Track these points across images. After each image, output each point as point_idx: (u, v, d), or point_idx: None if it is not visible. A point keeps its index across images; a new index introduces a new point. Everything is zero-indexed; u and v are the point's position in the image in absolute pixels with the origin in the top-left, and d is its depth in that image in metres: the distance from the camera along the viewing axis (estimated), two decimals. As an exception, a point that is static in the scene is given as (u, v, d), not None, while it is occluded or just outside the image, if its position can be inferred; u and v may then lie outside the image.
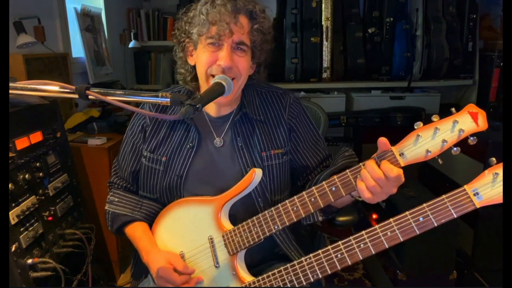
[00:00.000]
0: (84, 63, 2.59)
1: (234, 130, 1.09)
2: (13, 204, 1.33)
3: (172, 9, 3.44)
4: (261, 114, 1.11)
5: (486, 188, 0.74)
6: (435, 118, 0.79)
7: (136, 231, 1.12)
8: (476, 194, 0.75)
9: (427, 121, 0.81)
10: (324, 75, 3.24)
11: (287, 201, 0.93)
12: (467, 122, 0.76)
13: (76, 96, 0.78)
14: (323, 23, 3.18)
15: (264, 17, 1.04)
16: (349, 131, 3.49)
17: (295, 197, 0.92)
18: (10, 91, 0.79)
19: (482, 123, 0.75)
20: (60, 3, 2.36)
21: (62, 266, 1.38)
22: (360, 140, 3.25)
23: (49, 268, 1.37)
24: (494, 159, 0.75)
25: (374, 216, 2.24)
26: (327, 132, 1.46)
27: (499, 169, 0.73)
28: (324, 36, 3.18)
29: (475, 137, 0.76)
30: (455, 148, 0.78)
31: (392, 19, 3.21)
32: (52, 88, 0.80)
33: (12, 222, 1.30)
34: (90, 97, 0.77)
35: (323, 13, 3.17)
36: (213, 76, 0.99)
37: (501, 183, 0.72)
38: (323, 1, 3.15)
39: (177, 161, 1.10)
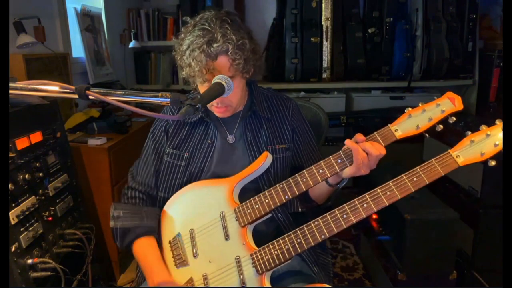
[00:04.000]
0: (84, 63, 2.59)
1: (244, 126, 1.20)
2: (13, 204, 1.34)
3: (172, 9, 3.44)
4: (268, 113, 1.22)
5: (465, 151, 0.94)
6: (421, 103, 1.02)
7: (145, 248, 1.13)
8: (458, 156, 0.93)
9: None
10: (324, 75, 3.24)
11: (297, 174, 1.04)
12: (447, 104, 0.99)
13: (76, 96, 0.78)
14: (323, 23, 3.18)
15: (243, 43, 1.03)
16: (349, 131, 3.49)
17: (304, 170, 1.04)
18: (10, 91, 0.79)
19: (458, 104, 0.99)
20: (60, 3, 2.36)
21: (62, 266, 1.39)
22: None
23: (49, 268, 1.37)
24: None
25: (374, 216, 2.24)
26: (327, 132, 1.46)
27: (474, 137, 0.93)
28: (324, 36, 3.18)
29: (453, 117, 0.99)
30: (439, 126, 0.99)
31: (392, 19, 3.21)
32: (52, 88, 0.79)
33: (12, 222, 1.31)
34: (90, 97, 0.77)
35: (323, 13, 3.18)
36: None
37: (475, 147, 0.93)
38: (323, 1, 3.16)
39: (198, 156, 1.19)
